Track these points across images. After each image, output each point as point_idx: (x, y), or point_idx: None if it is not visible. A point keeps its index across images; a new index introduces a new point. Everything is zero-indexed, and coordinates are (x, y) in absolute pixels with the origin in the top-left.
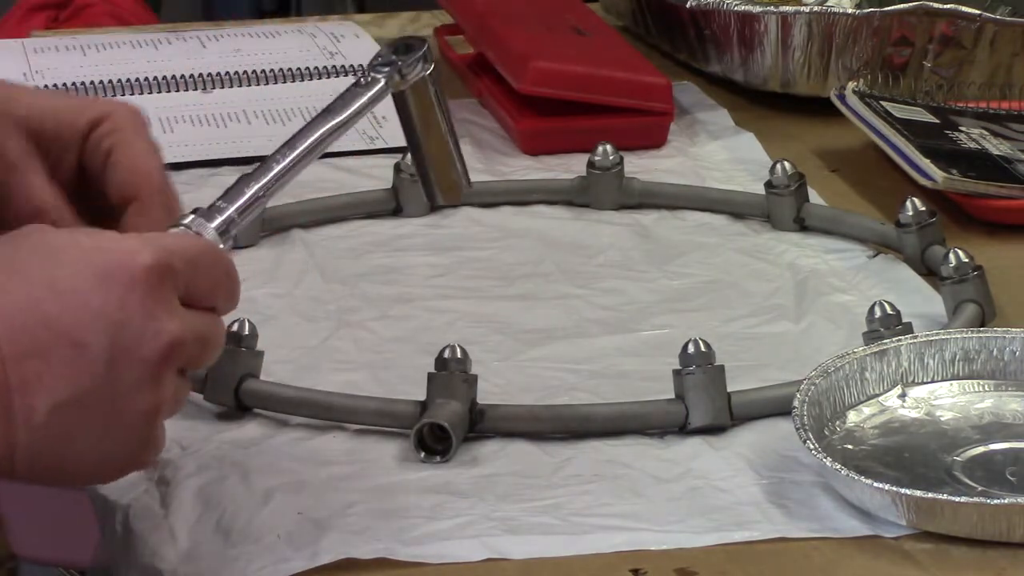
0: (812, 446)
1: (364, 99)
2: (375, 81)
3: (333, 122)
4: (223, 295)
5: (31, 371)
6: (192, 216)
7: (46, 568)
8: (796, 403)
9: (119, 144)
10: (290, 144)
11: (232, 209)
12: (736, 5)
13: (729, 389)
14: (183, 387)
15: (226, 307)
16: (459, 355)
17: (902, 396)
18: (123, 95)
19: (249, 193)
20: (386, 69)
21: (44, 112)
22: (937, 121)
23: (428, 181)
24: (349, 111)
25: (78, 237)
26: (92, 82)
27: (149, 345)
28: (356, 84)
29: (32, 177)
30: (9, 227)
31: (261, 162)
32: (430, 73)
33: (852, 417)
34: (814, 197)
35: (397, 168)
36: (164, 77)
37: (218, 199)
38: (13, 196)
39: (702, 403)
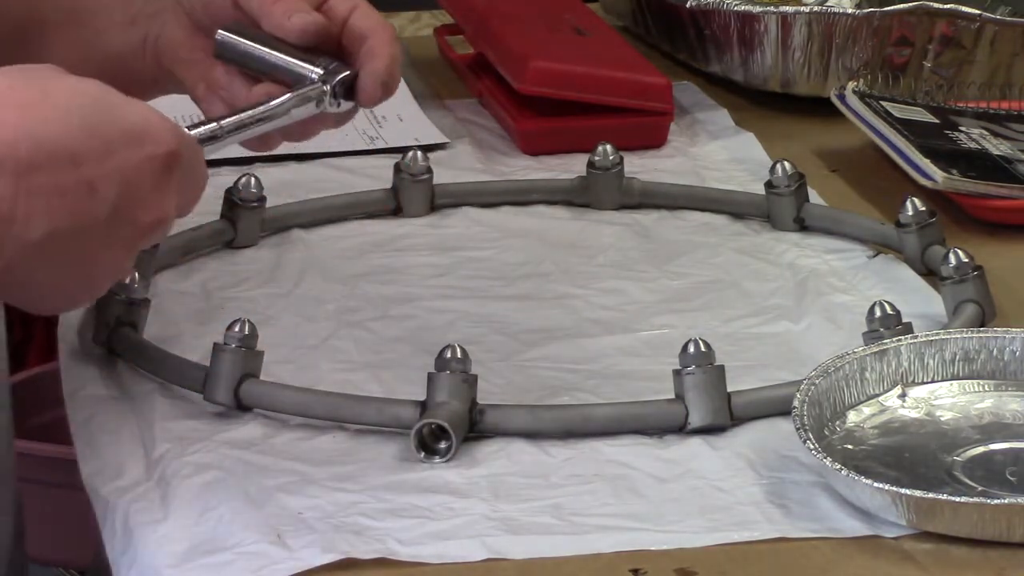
0: (812, 446)
1: (309, 105)
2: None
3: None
4: (191, 200)
5: (42, 188)
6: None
7: (46, 568)
8: (796, 403)
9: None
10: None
11: (213, 124)
12: (736, 5)
13: (729, 389)
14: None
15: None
16: (459, 355)
17: (902, 396)
18: None
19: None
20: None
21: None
22: (937, 121)
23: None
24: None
25: (116, 98)
26: None
27: (148, 214)
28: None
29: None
30: None
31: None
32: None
33: (852, 417)
34: (814, 197)
35: (397, 168)
36: None
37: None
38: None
39: (702, 403)
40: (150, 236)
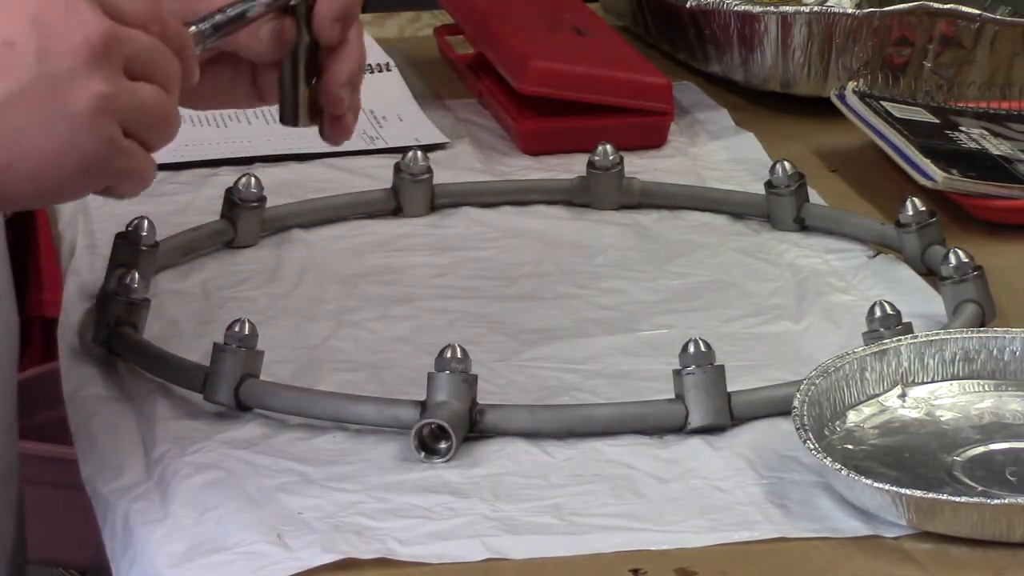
0: (812, 446)
1: None
2: None
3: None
4: (148, 19)
5: None
6: None
7: (46, 568)
8: (796, 403)
9: None
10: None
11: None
12: (736, 5)
13: (729, 389)
14: (142, 91)
15: (155, 29)
16: (459, 355)
17: (902, 396)
18: None
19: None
20: None
21: None
22: (937, 121)
23: (294, 105)
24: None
25: None
26: None
27: (76, 34)
28: None
29: None
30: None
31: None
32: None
33: (852, 417)
34: (814, 197)
35: (397, 168)
36: None
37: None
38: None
39: (702, 403)
40: (104, 55)
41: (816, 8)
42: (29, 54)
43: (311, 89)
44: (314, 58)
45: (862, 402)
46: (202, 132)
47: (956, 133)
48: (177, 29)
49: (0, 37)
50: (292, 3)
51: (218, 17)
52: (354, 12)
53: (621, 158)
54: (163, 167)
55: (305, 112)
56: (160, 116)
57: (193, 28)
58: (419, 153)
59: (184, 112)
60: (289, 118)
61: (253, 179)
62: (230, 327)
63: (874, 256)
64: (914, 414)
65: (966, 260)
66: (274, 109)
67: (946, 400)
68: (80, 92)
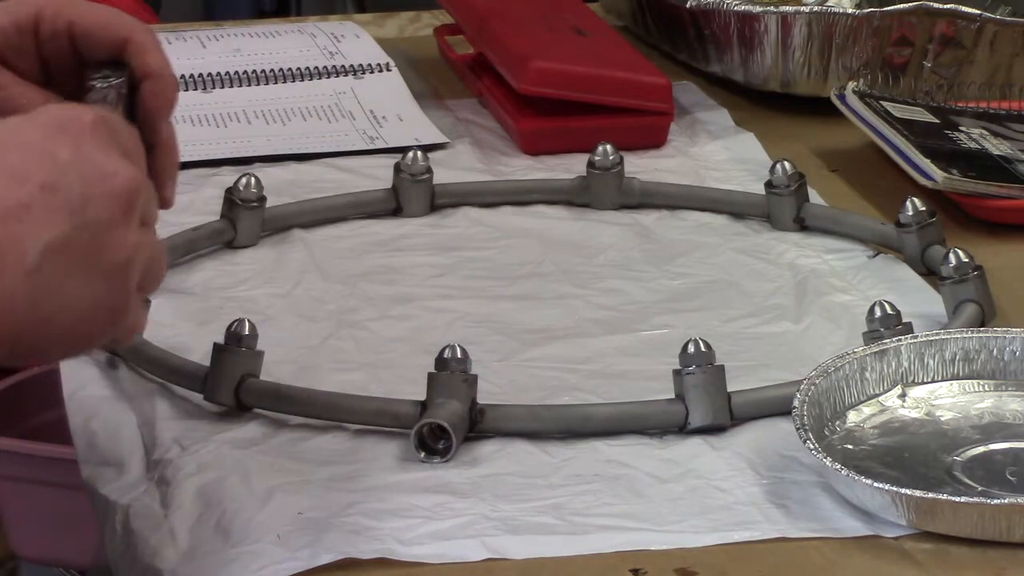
0: (812, 446)
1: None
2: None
3: None
4: (143, 157)
5: (13, 219)
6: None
7: (46, 568)
8: (796, 403)
9: (75, 16)
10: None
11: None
12: (736, 5)
13: (729, 389)
14: (152, 244)
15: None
16: (459, 355)
17: (902, 396)
18: None
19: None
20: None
21: None
22: (937, 121)
23: None
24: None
25: (15, 117)
26: None
27: (114, 181)
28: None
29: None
30: None
31: None
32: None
33: (852, 417)
34: (814, 197)
35: (397, 168)
36: None
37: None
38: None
39: (702, 403)
40: (134, 202)
41: (816, 8)
42: (73, 200)
43: None
44: None
45: (862, 402)
46: (202, 132)
47: (956, 133)
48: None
49: (37, 180)
50: (103, 87)
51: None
52: (174, 99)
53: (621, 158)
54: None
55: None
56: (161, 263)
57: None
58: (419, 153)
59: (184, 112)
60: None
61: (253, 179)
62: (230, 327)
63: (874, 256)
64: (914, 414)
65: (966, 260)
66: (274, 109)
67: (946, 400)
68: (119, 242)
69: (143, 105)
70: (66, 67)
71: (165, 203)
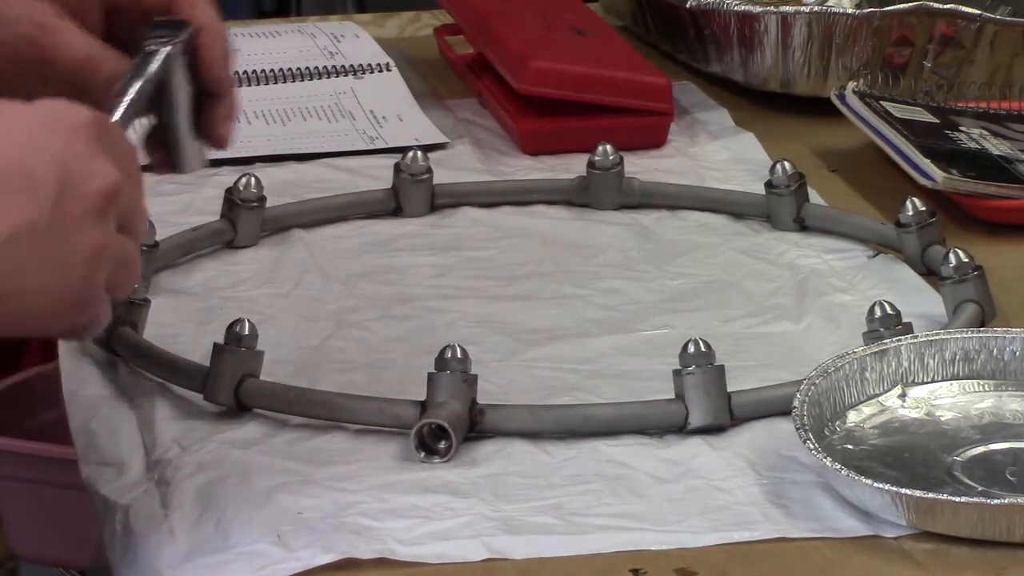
0: (812, 446)
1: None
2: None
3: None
4: (133, 166)
5: None
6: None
7: (46, 568)
8: (796, 403)
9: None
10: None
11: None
12: (736, 5)
13: (729, 389)
14: (126, 245)
15: (136, 176)
16: (459, 355)
17: (902, 396)
18: None
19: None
20: (154, 38)
21: None
22: (937, 121)
23: (177, 150)
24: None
25: (17, 103)
26: None
27: (93, 183)
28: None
29: (66, 34)
30: (58, 84)
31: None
32: (173, 53)
33: (852, 417)
34: (814, 197)
35: (397, 168)
36: None
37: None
38: (55, 52)
39: (702, 403)
40: (111, 205)
41: (816, 8)
42: (50, 192)
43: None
44: (196, 103)
45: (862, 402)
46: None
47: (956, 133)
48: (141, 178)
49: (22, 165)
50: (160, 57)
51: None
52: (229, 48)
53: (621, 158)
54: None
55: (201, 155)
56: (132, 268)
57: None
58: (419, 153)
59: None
60: (188, 164)
61: (253, 179)
62: (230, 327)
63: (874, 256)
64: (914, 414)
65: (966, 260)
66: (274, 109)
67: (946, 400)
68: (84, 239)
69: (200, 58)
70: (129, 20)
71: (220, 142)
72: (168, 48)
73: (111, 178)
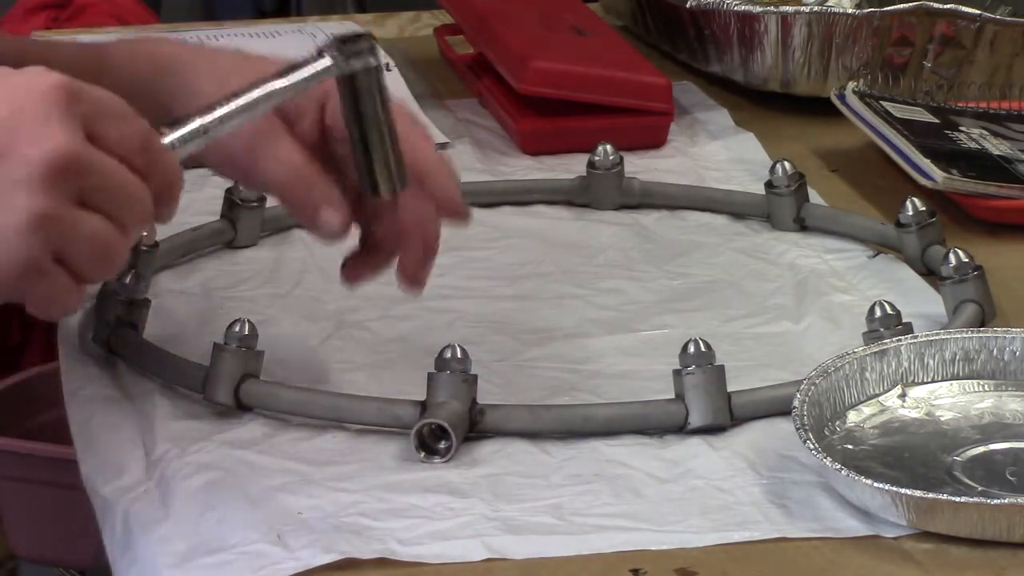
0: (812, 446)
1: (307, 73)
2: (321, 59)
3: (275, 85)
4: (135, 149)
5: None
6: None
7: (46, 568)
8: (796, 403)
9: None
10: (232, 95)
11: (184, 131)
12: (736, 5)
13: (729, 389)
14: (88, 222)
15: (140, 161)
16: (459, 355)
17: (902, 396)
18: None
19: (193, 125)
20: (335, 53)
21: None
22: (937, 121)
23: (371, 171)
24: (293, 80)
25: (7, 69)
26: None
27: (38, 146)
28: (304, 60)
29: (280, 140)
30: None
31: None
32: (375, 67)
33: (852, 417)
34: (814, 197)
35: None
36: None
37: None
38: (266, 160)
39: (702, 403)
40: (60, 174)
41: (816, 8)
42: None
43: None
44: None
45: (862, 402)
46: None
47: (956, 133)
48: (168, 166)
49: None
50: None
51: (232, 106)
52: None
53: (621, 158)
54: None
55: (398, 180)
56: (101, 251)
57: (198, 123)
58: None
59: None
60: (396, 183)
61: None
62: (230, 327)
63: (874, 256)
64: (914, 414)
65: (966, 260)
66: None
67: (946, 400)
68: (19, 204)
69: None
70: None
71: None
72: (328, 61)
73: (63, 147)
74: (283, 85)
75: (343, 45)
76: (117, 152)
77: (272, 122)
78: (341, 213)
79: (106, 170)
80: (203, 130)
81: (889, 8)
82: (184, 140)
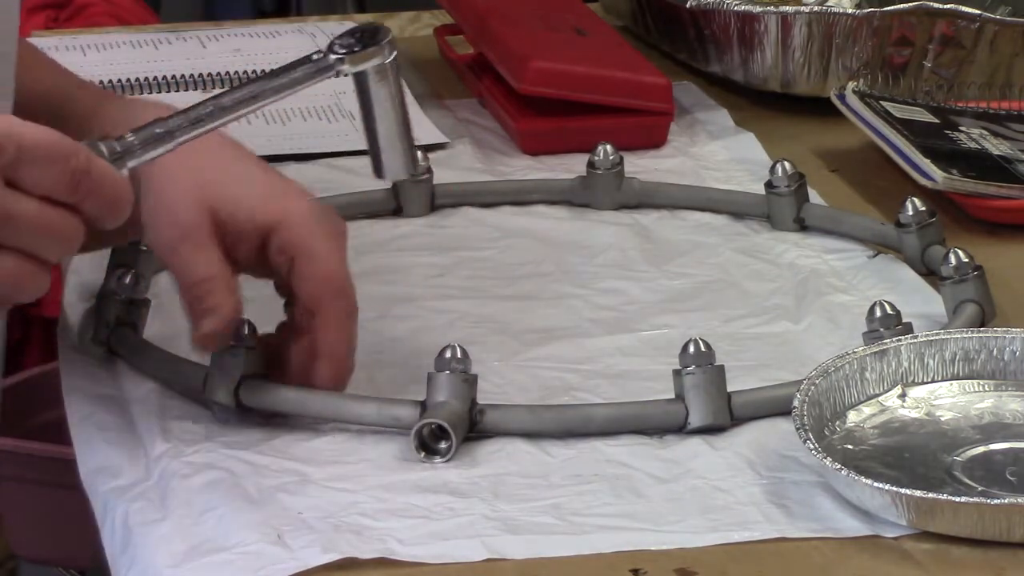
0: (812, 446)
1: (305, 70)
2: (325, 58)
3: (268, 85)
4: (61, 185)
5: None
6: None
7: (46, 568)
8: (796, 403)
9: (299, 256)
10: (216, 96)
11: (134, 138)
12: (736, 5)
13: (729, 389)
14: (17, 202)
15: (68, 194)
16: (459, 355)
17: (902, 396)
18: (123, 95)
19: (157, 130)
20: (343, 51)
21: (229, 199)
22: (937, 121)
23: (377, 158)
24: (288, 78)
25: None
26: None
27: None
28: (308, 57)
29: (205, 250)
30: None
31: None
32: (390, 61)
33: (852, 417)
34: (814, 197)
35: None
36: (164, 77)
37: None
38: (187, 262)
39: (702, 403)
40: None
41: (816, 8)
42: None
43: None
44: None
45: (862, 402)
46: None
47: (956, 133)
48: (111, 186)
49: None
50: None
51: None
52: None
53: (621, 158)
54: None
55: (407, 166)
56: (14, 288)
57: (159, 128)
58: (419, 153)
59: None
60: (388, 172)
61: None
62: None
63: (874, 256)
64: (914, 414)
65: (966, 260)
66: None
67: (946, 400)
68: None
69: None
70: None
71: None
72: (331, 56)
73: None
74: (272, 85)
75: (355, 42)
76: (37, 193)
77: (203, 227)
78: (222, 326)
79: (21, 216)
80: (166, 134)
81: (889, 8)
82: (145, 141)
